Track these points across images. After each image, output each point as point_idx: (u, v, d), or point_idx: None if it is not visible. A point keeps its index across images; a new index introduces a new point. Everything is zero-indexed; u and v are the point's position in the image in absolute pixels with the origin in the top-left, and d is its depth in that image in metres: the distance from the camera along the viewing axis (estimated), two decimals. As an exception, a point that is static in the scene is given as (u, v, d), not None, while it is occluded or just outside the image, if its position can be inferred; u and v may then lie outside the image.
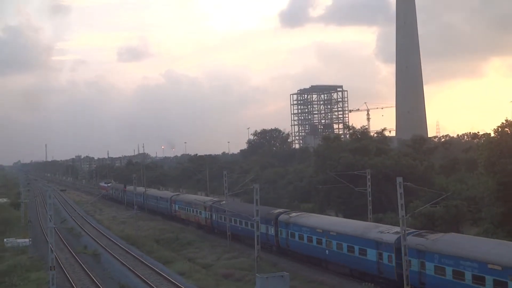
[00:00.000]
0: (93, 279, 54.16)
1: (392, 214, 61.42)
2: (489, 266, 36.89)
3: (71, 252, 70.40)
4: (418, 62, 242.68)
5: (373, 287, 46.72)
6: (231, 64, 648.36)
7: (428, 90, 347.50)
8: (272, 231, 66.61)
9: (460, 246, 41.98)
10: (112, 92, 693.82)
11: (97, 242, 79.23)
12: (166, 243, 76.47)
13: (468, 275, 38.81)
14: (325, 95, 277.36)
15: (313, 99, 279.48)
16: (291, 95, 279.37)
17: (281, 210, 69.19)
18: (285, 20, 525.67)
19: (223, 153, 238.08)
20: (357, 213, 67.51)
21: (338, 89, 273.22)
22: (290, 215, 64.55)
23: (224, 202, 78.58)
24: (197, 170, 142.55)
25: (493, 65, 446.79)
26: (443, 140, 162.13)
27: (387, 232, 48.73)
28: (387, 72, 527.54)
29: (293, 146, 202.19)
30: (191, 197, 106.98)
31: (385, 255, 47.48)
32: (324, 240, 56.12)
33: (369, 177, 61.83)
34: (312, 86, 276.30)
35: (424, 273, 43.26)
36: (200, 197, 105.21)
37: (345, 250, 52.87)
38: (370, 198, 61.28)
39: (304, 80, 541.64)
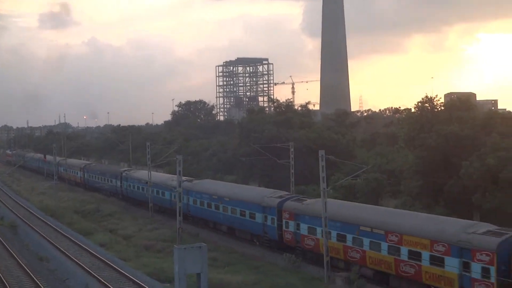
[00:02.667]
0: (10, 252, 53.01)
1: (315, 186, 61.91)
2: (213, 196, 63.21)
3: (-13, 223, 68.79)
4: (343, 36, 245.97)
5: (294, 258, 47.57)
6: (156, 35, 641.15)
7: (352, 65, 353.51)
8: (118, 183, 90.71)
9: (205, 186, 67.98)
10: (33, 60, 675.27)
11: (15, 213, 77.58)
12: (87, 215, 75.70)
13: (206, 204, 64.76)
14: (251, 67, 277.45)
15: (239, 71, 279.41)
16: (217, 67, 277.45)
17: (126, 169, 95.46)
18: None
19: (147, 124, 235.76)
20: (281, 185, 67.91)
21: (264, 62, 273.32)
22: (130, 171, 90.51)
23: (93, 164, 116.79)
24: (120, 141, 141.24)
25: (416, 41, 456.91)
26: (365, 114, 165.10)
27: (172, 180, 68.17)
28: (313, 46, 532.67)
29: (218, 118, 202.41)
30: (72, 161, 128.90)
31: (172, 195, 68.14)
32: (145, 188, 78.61)
33: (292, 150, 62.38)
34: (238, 58, 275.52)
35: (190, 204, 67.61)
36: (77, 161, 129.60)
37: (155, 193, 76.34)
38: (292, 171, 61.86)
39: (231, 53, 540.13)
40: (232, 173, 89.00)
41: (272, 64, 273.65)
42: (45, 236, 60.64)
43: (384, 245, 41.14)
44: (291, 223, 50.20)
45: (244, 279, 40.43)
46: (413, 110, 76.07)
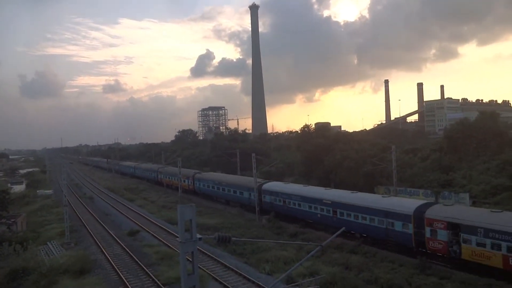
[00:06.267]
0: (89, 210, 51.51)
1: (250, 172, 62.15)
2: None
3: (76, 196, 66.38)
4: (262, 94, 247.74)
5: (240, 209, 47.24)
6: (166, 94, 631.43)
7: (268, 109, 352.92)
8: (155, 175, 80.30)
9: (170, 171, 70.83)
10: (100, 109, 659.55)
11: (91, 191, 75.19)
12: (131, 190, 73.75)
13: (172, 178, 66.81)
14: (215, 111, 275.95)
15: (210, 113, 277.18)
16: (198, 111, 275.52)
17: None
18: (194, 73, 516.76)
19: (162, 142, 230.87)
20: (233, 172, 67.82)
21: (222, 109, 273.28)
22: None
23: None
24: (147, 151, 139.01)
25: (298, 97, 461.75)
26: (275, 134, 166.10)
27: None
28: (247, 100, 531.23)
29: (199, 138, 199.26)
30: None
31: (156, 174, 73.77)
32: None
33: (238, 153, 62.62)
34: (209, 107, 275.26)
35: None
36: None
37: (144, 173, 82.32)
38: (239, 164, 62.07)
39: (205, 104, 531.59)
40: (207, 166, 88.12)
41: (226, 109, 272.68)
42: (108, 202, 59.13)
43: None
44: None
45: (215, 221, 40.28)
46: (299, 131, 77.35)
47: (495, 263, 21.46)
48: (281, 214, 39.16)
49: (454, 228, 23.65)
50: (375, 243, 28.99)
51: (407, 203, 27.95)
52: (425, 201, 29.56)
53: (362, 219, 29.81)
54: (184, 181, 61.14)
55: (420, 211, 25.83)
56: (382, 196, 31.93)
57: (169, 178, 71.32)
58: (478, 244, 22.26)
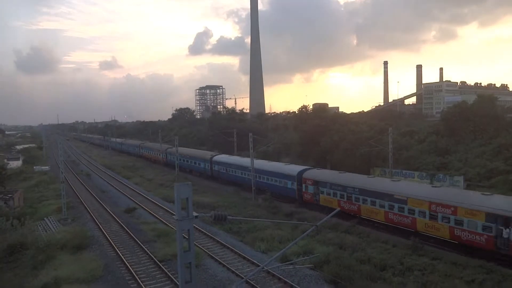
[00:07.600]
0: (86, 187, 51.63)
1: (247, 152, 62.12)
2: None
3: (73, 173, 66.40)
4: (260, 74, 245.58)
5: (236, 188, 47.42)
6: (163, 72, 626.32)
7: (266, 89, 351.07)
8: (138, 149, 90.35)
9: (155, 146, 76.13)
10: (96, 86, 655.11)
11: (88, 168, 75.18)
12: (128, 168, 73.81)
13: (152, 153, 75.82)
14: (213, 90, 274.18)
15: (207, 92, 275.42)
16: (195, 90, 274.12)
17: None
18: (192, 50, 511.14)
19: (159, 120, 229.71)
20: (229, 152, 67.77)
21: (220, 88, 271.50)
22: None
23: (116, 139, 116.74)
24: (144, 129, 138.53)
25: (296, 77, 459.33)
26: (273, 114, 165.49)
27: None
28: (245, 79, 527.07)
29: (197, 117, 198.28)
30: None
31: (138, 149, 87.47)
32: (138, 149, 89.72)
33: (235, 133, 62.47)
34: (206, 85, 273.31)
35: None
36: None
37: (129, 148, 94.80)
38: (236, 144, 61.99)
39: (203, 82, 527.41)
40: (204, 145, 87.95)
41: (224, 88, 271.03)
42: (105, 179, 59.32)
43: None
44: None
45: (211, 200, 40.53)
46: (297, 112, 77.10)
47: (334, 205, 31.74)
48: (224, 179, 50.13)
49: (317, 184, 34.39)
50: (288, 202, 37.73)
51: (294, 168, 38.87)
52: (306, 167, 38.93)
53: (270, 180, 40.58)
54: (159, 155, 73.83)
55: (301, 173, 36.72)
56: (284, 164, 42.00)
57: (148, 152, 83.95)
58: (327, 194, 33.17)
